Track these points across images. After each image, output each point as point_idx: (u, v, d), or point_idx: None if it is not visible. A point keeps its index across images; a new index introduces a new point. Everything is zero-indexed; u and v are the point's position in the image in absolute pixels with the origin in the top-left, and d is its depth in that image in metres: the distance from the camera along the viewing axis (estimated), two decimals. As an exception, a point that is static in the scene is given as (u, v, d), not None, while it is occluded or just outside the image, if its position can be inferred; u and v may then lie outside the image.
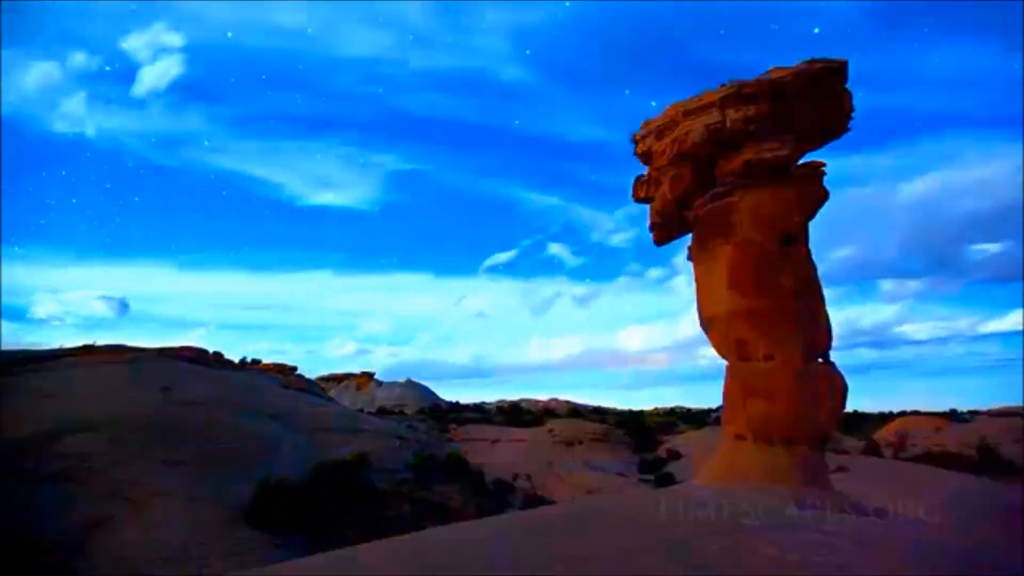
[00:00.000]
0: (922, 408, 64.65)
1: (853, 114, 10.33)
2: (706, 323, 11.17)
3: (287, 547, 15.08)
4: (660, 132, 11.37)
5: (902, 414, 58.89)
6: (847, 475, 17.29)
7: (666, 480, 24.36)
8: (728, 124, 9.97)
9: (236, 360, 40.17)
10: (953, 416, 55.18)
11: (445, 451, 29.17)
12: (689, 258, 11.94)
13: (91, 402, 20.33)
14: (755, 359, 10.14)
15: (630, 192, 13.06)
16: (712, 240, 10.91)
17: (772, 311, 9.87)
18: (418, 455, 25.95)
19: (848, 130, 10.51)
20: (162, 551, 14.18)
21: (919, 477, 19.17)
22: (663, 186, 11.68)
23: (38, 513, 14.53)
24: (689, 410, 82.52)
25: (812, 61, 9.81)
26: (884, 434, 41.83)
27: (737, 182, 10.36)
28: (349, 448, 24.07)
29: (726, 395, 10.73)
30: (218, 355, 36.78)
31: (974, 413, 60.48)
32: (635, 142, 12.25)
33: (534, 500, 22.09)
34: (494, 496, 22.92)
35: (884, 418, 60.32)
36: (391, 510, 19.59)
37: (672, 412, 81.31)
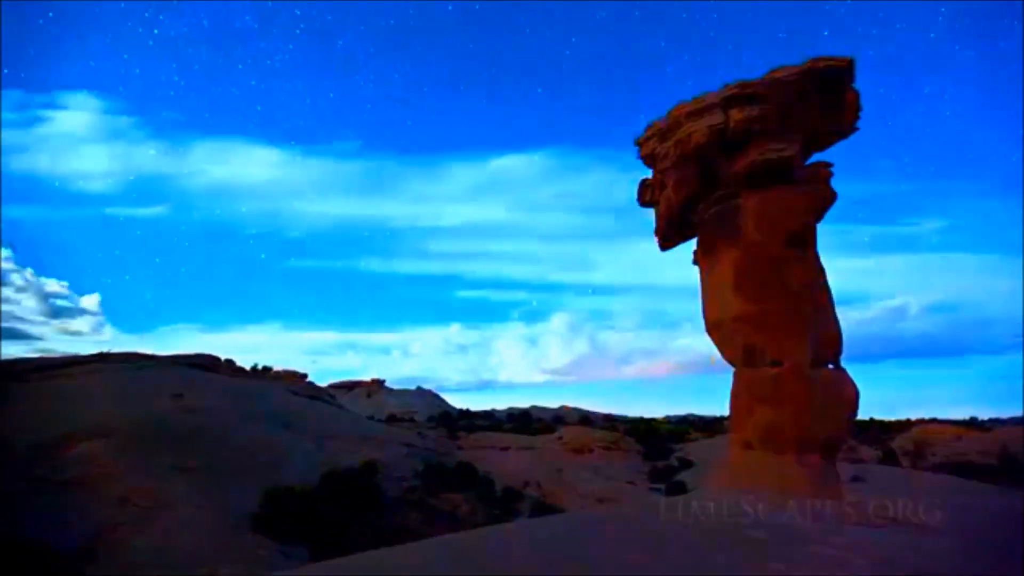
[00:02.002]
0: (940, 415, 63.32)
1: (860, 113, 10.11)
2: (712, 328, 10.96)
3: (294, 554, 15.05)
4: (663, 134, 11.22)
5: (920, 422, 57.63)
6: (863, 485, 16.85)
7: (677, 489, 23.97)
8: (731, 125, 9.80)
9: (247, 367, 40.55)
10: (973, 423, 53.89)
11: (454, 458, 29.05)
12: (695, 262, 11.76)
13: (102, 409, 20.53)
14: (762, 365, 9.90)
15: (635, 197, 12.94)
16: (717, 243, 10.73)
17: (779, 315, 9.63)
18: (427, 462, 25.86)
19: (856, 130, 10.30)
20: (171, 558, 14.19)
21: (938, 487, 18.65)
22: (668, 189, 11.51)
23: (48, 519, 14.64)
24: (702, 417, 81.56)
25: (817, 59, 9.61)
26: (902, 443, 40.91)
27: (742, 184, 10.17)
28: (358, 455, 24.02)
29: (733, 402, 10.49)
30: (230, 362, 37.15)
31: (995, 420, 59.03)
32: (639, 145, 12.11)
33: (543, 508, 21.80)
34: (503, 504, 22.71)
35: (902, 426, 59.05)
36: (399, 517, 19.48)
37: (685, 419, 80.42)
